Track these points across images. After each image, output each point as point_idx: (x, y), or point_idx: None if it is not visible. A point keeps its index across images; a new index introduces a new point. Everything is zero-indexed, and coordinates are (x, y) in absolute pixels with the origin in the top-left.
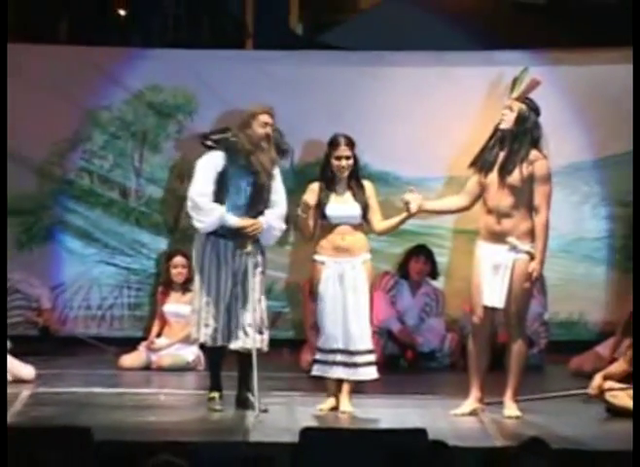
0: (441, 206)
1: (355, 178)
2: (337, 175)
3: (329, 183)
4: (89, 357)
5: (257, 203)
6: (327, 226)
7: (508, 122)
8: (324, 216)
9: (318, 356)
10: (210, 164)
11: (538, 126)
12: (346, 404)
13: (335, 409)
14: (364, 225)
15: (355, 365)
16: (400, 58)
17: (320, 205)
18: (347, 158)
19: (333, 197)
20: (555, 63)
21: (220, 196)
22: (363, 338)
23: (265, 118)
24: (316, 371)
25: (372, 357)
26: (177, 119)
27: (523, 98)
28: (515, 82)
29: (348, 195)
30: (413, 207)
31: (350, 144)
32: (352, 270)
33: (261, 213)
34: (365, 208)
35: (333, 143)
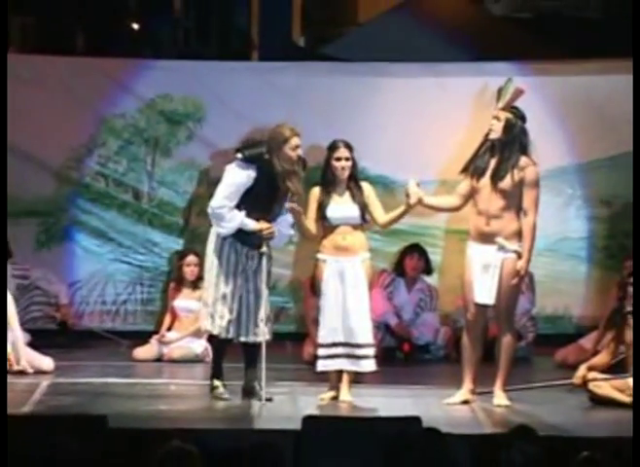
0: (437, 203)
1: (354, 180)
2: (338, 176)
3: (329, 185)
4: (105, 349)
5: (273, 212)
6: (328, 226)
7: (496, 131)
8: (325, 217)
9: (320, 351)
10: (240, 180)
11: (525, 133)
12: (346, 393)
13: (335, 398)
14: (363, 225)
15: (356, 357)
16: (396, 69)
17: (321, 208)
18: (347, 159)
19: (333, 200)
20: (542, 74)
21: (248, 203)
22: (364, 332)
23: (296, 141)
24: (321, 366)
25: (371, 350)
26: (187, 126)
27: (509, 107)
28: (500, 92)
29: (347, 196)
30: (413, 199)
31: (349, 147)
32: (352, 268)
33: (273, 219)
34: (363, 209)
35: (332, 147)
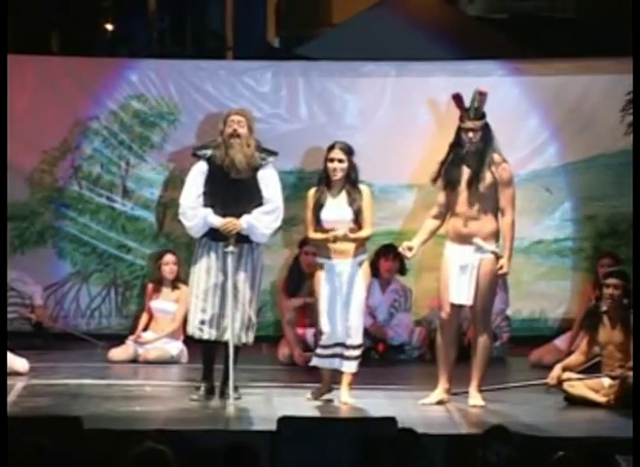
0: (427, 234)
1: (351, 183)
2: (330, 177)
3: (324, 185)
4: (80, 351)
5: (241, 202)
6: (323, 229)
7: (476, 142)
8: (318, 220)
9: (319, 351)
10: (195, 173)
11: (490, 129)
12: (346, 395)
13: (330, 400)
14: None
15: (347, 358)
16: (371, 69)
17: (315, 209)
18: (340, 161)
19: (327, 202)
20: (518, 73)
21: (208, 199)
22: (358, 333)
23: (233, 117)
24: (315, 362)
25: (359, 352)
26: (161, 127)
27: (479, 114)
28: (471, 104)
29: (343, 199)
30: (412, 254)
31: (345, 150)
32: (348, 271)
33: (248, 211)
34: (357, 212)
35: (329, 148)
